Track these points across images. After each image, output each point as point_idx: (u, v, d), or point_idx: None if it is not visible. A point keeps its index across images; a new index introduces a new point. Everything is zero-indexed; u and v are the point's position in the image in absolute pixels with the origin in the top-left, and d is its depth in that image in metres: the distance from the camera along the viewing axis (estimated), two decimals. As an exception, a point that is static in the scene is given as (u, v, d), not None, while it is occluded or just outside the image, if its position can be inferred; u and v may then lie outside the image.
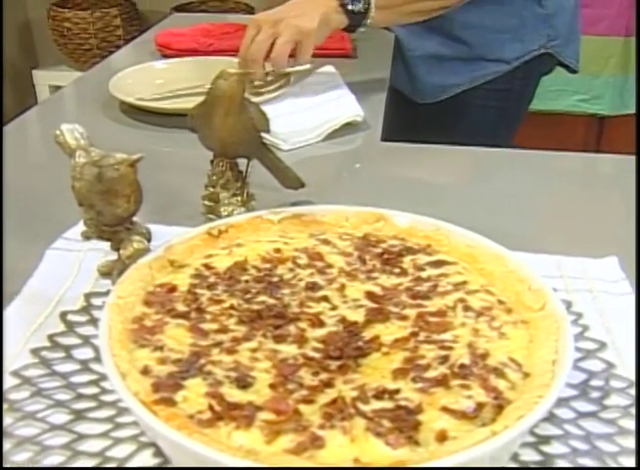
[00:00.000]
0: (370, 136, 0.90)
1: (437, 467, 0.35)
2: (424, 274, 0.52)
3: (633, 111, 2.23)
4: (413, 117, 1.36)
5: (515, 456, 0.42)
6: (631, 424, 0.44)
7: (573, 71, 1.39)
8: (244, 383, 0.41)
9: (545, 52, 1.30)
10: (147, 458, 0.41)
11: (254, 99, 0.70)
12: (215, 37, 1.22)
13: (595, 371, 0.49)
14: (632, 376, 0.48)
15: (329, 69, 1.06)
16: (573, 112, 2.14)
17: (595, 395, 0.47)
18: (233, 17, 1.90)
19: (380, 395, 0.41)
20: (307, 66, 0.96)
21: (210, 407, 0.39)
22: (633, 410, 0.46)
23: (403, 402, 0.40)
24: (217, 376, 0.42)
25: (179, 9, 2.52)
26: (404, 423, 0.39)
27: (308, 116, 0.89)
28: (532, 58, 1.30)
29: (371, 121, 0.93)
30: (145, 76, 1.01)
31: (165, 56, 1.18)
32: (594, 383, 0.48)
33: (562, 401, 0.46)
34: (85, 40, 2.74)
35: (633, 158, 0.80)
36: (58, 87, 2.70)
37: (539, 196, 0.76)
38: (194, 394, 0.40)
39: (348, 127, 0.90)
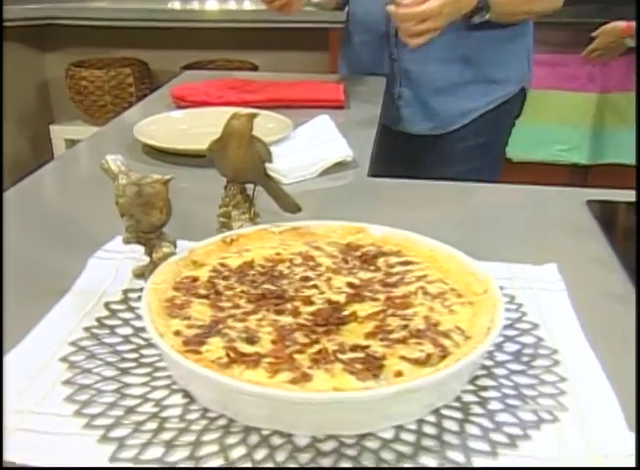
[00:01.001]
0: (359, 173, 1.05)
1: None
2: (393, 270, 0.66)
3: (613, 160, 2.39)
4: (411, 152, 1.53)
5: (458, 398, 0.55)
6: (550, 377, 0.57)
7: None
8: (252, 340, 0.55)
9: (524, 86, 1.54)
10: (178, 399, 0.54)
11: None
12: (225, 91, 1.38)
13: (527, 343, 0.62)
14: (557, 347, 0.62)
15: (324, 117, 1.21)
16: (555, 161, 2.30)
17: (525, 359, 0.60)
18: (239, 73, 2.08)
19: (354, 348, 0.54)
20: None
21: (227, 355, 0.53)
22: (553, 368, 0.59)
23: (371, 353, 0.54)
24: (232, 336, 0.55)
25: (188, 67, 2.71)
26: (371, 365, 0.52)
27: (306, 155, 1.04)
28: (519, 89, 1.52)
29: (360, 161, 1.08)
30: (165, 123, 1.16)
31: (179, 107, 1.34)
32: (526, 351, 0.61)
33: (499, 364, 0.59)
34: (100, 97, 2.93)
35: (569, 189, 0.96)
36: (73, 141, 2.89)
37: (499, 220, 0.90)
38: (214, 347, 0.54)
39: (340, 166, 1.05)
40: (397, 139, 1.53)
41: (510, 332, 0.64)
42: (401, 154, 1.52)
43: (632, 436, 0.51)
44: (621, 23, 2.03)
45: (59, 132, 3.09)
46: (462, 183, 1.02)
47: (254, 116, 0.71)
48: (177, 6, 2.93)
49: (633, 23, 1.99)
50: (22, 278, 0.73)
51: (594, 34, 2.04)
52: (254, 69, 2.89)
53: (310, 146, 1.08)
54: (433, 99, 1.49)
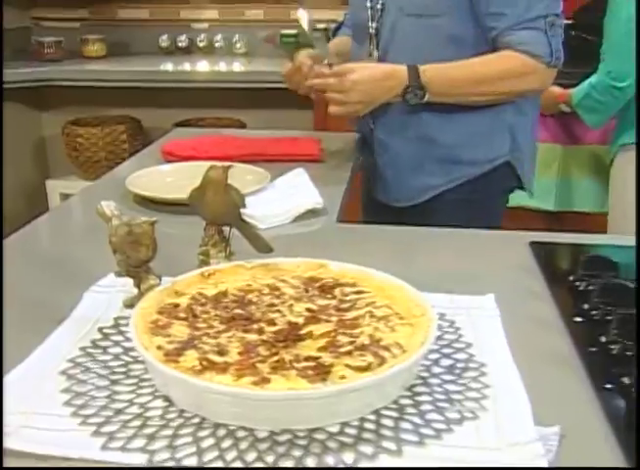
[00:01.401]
0: (328, 219, 1.17)
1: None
2: (347, 298, 0.77)
3: (581, 209, 2.52)
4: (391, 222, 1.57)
5: (396, 401, 0.65)
6: (475, 385, 0.68)
7: (530, 193, 1.54)
8: (222, 352, 0.65)
9: (508, 161, 1.47)
10: (159, 403, 0.64)
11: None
12: (211, 146, 1.51)
13: (460, 359, 0.73)
14: (485, 361, 0.72)
15: (299, 170, 1.33)
16: (525, 206, 2.42)
17: (457, 371, 0.71)
18: (227, 130, 2.21)
19: (307, 359, 0.65)
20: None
21: (201, 363, 0.63)
22: (480, 378, 0.69)
23: (321, 362, 0.64)
24: (205, 349, 0.66)
25: (179, 125, 2.85)
26: (320, 371, 0.62)
27: (280, 203, 1.16)
28: (499, 165, 1.46)
29: (330, 208, 1.19)
30: (155, 176, 1.28)
31: (168, 161, 1.46)
32: (458, 365, 0.72)
33: (433, 375, 0.70)
34: (95, 153, 3.06)
35: (516, 232, 1.08)
36: (67, 195, 3.01)
37: (449, 258, 1.01)
38: (190, 358, 0.64)
39: (312, 213, 1.17)
40: (378, 206, 1.58)
41: (447, 350, 0.74)
42: (384, 219, 1.55)
43: (537, 429, 0.61)
44: (557, 90, 2.18)
45: (54, 187, 3.21)
46: (419, 228, 1.14)
47: (229, 167, 0.83)
48: (170, 68, 3.10)
49: (568, 92, 2.14)
50: (24, 309, 0.84)
51: None
52: (242, 126, 3.04)
53: (285, 195, 1.20)
54: (396, 172, 1.52)
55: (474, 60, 1.36)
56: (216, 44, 3.34)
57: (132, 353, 0.72)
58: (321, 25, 2.12)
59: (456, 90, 1.38)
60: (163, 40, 3.32)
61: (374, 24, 1.47)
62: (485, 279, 0.93)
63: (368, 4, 1.48)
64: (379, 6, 1.46)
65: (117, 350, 0.73)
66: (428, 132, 1.45)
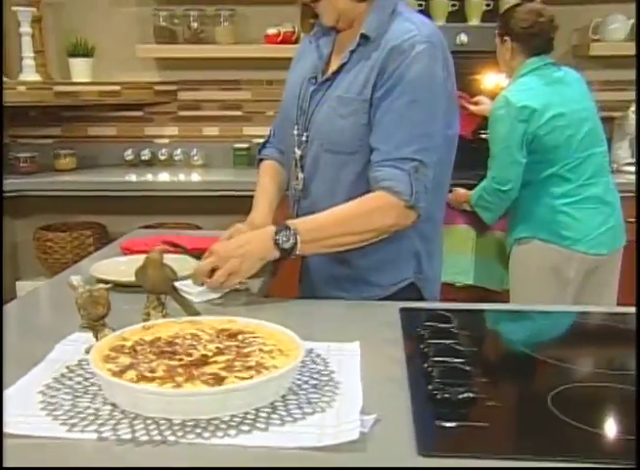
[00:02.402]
0: (251, 295, 1.49)
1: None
2: (246, 341, 1.08)
3: (491, 287, 2.89)
4: None
5: (272, 403, 0.95)
6: (330, 393, 0.98)
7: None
8: (152, 371, 0.95)
9: (413, 282, 1.60)
10: (108, 407, 0.94)
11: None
12: (161, 242, 1.83)
13: (324, 380, 1.04)
14: (341, 380, 1.03)
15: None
16: (449, 281, 2.77)
17: (319, 386, 1.01)
18: (183, 231, 2.54)
19: (210, 374, 0.95)
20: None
21: (137, 377, 0.93)
22: (334, 390, 1.00)
23: (219, 376, 0.95)
24: (140, 370, 0.96)
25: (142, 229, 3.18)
26: (217, 380, 0.93)
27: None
28: (404, 286, 1.59)
29: (254, 289, 1.52)
30: (114, 265, 1.60)
31: (125, 255, 1.78)
32: (321, 383, 1.02)
33: (302, 389, 1.00)
34: (63, 255, 3.36)
35: (393, 302, 1.41)
36: (37, 294, 3.28)
37: (335, 319, 1.33)
38: (130, 375, 0.94)
39: (237, 291, 1.48)
40: None
41: (315, 374, 1.05)
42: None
43: (361, 416, 0.91)
44: (461, 191, 2.65)
45: (24, 287, 3.48)
46: (319, 300, 1.46)
47: (164, 250, 1.15)
48: (133, 178, 3.45)
49: (468, 193, 2.59)
50: (14, 356, 1.13)
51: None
52: (199, 228, 3.38)
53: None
54: (315, 283, 1.66)
55: (341, 206, 1.48)
56: (176, 157, 3.72)
57: (91, 380, 1.02)
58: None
59: (324, 232, 1.45)
60: (128, 154, 3.70)
61: (299, 152, 1.61)
62: (358, 333, 1.25)
63: (295, 132, 1.62)
64: (304, 138, 1.60)
65: (79, 379, 1.03)
66: (343, 255, 1.55)
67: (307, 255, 1.57)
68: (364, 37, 1.51)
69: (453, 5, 3.27)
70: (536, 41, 2.48)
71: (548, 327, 1.37)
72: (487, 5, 3.28)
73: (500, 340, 1.34)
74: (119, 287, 1.46)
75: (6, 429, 0.88)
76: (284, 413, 0.93)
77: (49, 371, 1.06)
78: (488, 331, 1.35)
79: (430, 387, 1.00)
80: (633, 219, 3.05)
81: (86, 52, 3.52)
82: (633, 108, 3.40)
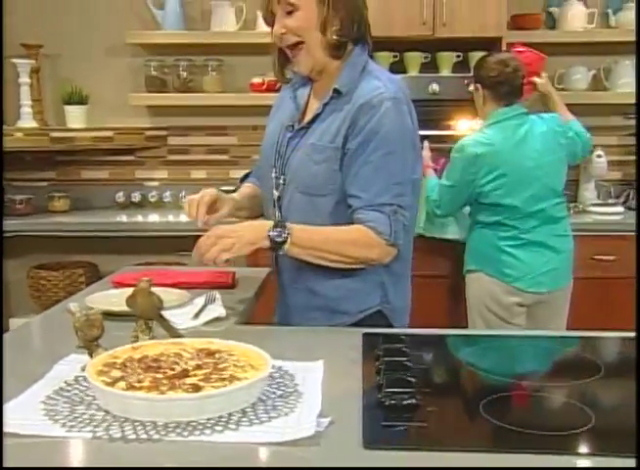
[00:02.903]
0: (230, 323, 1.65)
1: None
2: (222, 358, 1.24)
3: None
4: None
5: (242, 410, 1.11)
6: (293, 401, 1.14)
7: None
8: (140, 381, 1.11)
9: (380, 310, 1.74)
10: (101, 413, 1.09)
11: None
12: (152, 277, 1.99)
13: (290, 391, 1.19)
14: (304, 391, 1.19)
15: (215, 293, 1.82)
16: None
17: (285, 396, 1.17)
18: (173, 268, 2.70)
19: (190, 384, 1.11)
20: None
21: (126, 386, 1.09)
22: (297, 399, 1.15)
23: (198, 385, 1.10)
24: (130, 381, 1.12)
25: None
26: (196, 388, 1.09)
27: (195, 313, 1.64)
28: (371, 313, 1.73)
29: (238, 311, 1.68)
30: (106, 297, 1.76)
31: (116, 288, 1.94)
32: (287, 394, 1.18)
33: (269, 398, 1.16)
34: (55, 293, 3.51)
35: (359, 328, 1.58)
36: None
37: (305, 342, 1.49)
38: (120, 385, 1.10)
39: (218, 320, 1.64)
40: None
41: (282, 386, 1.21)
42: None
43: (317, 419, 1.07)
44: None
45: (16, 324, 3.61)
46: (290, 327, 1.63)
47: (151, 280, 1.32)
48: (124, 219, 3.62)
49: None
50: (14, 375, 1.28)
51: None
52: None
53: (198, 309, 1.68)
54: (288, 312, 1.82)
55: (333, 227, 1.66)
56: (165, 199, 3.90)
57: (86, 392, 1.17)
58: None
59: (312, 243, 1.62)
60: (120, 196, 3.88)
61: (277, 193, 1.77)
62: (323, 354, 1.41)
63: (273, 175, 1.78)
64: (281, 181, 1.76)
65: (76, 391, 1.19)
66: (312, 286, 1.73)
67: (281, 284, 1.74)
68: (337, 91, 1.70)
69: (426, 57, 3.50)
70: (504, 89, 2.71)
71: (491, 347, 1.54)
72: (457, 56, 3.51)
73: (446, 358, 1.52)
74: (111, 316, 1.62)
75: (12, 430, 1.03)
76: (253, 417, 1.09)
77: (49, 386, 1.21)
78: (437, 351, 1.51)
79: (379, 396, 1.16)
80: (603, 256, 3.27)
81: (81, 100, 3.72)
82: (598, 152, 3.62)
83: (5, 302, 3.77)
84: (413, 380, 1.20)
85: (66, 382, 1.22)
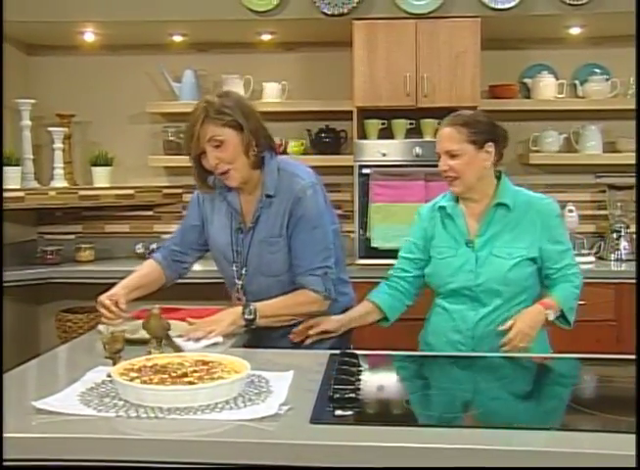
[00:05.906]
0: (225, 348, 2.04)
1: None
2: (214, 365, 1.63)
3: None
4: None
5: (227, 399, 1.49)
6: (263, 398, 1.53)
7: None
8: (150, 380, 1.51)
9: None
10: (122, 402, 1.48)
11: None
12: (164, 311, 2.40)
13: (263, 391, 1.58)
14: (275, 391, 1.57)
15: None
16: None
17: (259, 393, 1.56)
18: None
19: (187, 382, 1.50)
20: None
21: (141, 382, 1.49)
22: (268, 395, 1.54)
23: (193, 382, 1.50)
24: (144, 379, 1.51)
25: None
26: (191, 384, 1.48)
27: (198, 340, 2.04)
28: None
29: (229, 342, 2.07)
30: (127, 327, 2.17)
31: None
32: (262, 392, 1.57)
33: (247, 394, 1.55)
34: (80, 335, 3.81)
35: (321, 350, 1.97)
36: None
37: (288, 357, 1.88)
38: (137, 381, 1.50)
39: (215, 345, 2.04)
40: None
41: (259, 386, 1.60)
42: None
43: (280, 406, 1.45)
44: None
45: (46, 362, 4.00)
46: (272, 350, 2.02)
47: (161, 307, 1.73)
48: (143, 268, 4.03)
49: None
50: (57, 377, 1.68)
51: None
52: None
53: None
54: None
55: (283, 296, 2.20)
56: (180, 250, 4.31)
57: (111, 389, 1.56)
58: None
59: (273, 311, 2.16)
60: (139, 247, 4.28)
61: (240, 282, 2.28)
62: (295, 366, 1.79)
63: (234, 268, 2.28)
64: (243, 271, 2.27)
65: (104, 389, 1.58)
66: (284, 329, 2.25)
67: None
68: (268, 196, 2.19)
69: (411, 124, 3.93)
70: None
71: (429, 363, 1.94)
72: (439, 124, 3.92)
73: (389, 367, 1.94)
74: (129, 342, 2.03)
75: (58, 410, 1.43)
76: (233, 405, 1.48)
77: (82, 386, 1.61)
78: (385, 364, 1.92)
79: (330, 392, 1.54)
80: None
81: (106, 162, 4.18)
82: (569, 207, 3.99)
83: (36, 342, 4.17)
84: (359, 383, 1.59)
85: (95, 383, 1.62)
